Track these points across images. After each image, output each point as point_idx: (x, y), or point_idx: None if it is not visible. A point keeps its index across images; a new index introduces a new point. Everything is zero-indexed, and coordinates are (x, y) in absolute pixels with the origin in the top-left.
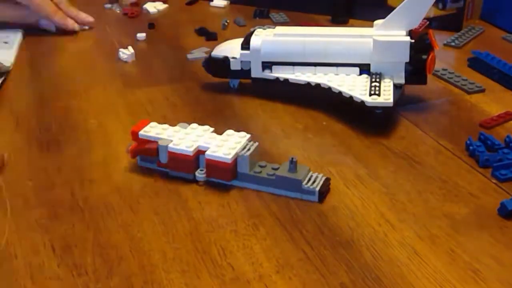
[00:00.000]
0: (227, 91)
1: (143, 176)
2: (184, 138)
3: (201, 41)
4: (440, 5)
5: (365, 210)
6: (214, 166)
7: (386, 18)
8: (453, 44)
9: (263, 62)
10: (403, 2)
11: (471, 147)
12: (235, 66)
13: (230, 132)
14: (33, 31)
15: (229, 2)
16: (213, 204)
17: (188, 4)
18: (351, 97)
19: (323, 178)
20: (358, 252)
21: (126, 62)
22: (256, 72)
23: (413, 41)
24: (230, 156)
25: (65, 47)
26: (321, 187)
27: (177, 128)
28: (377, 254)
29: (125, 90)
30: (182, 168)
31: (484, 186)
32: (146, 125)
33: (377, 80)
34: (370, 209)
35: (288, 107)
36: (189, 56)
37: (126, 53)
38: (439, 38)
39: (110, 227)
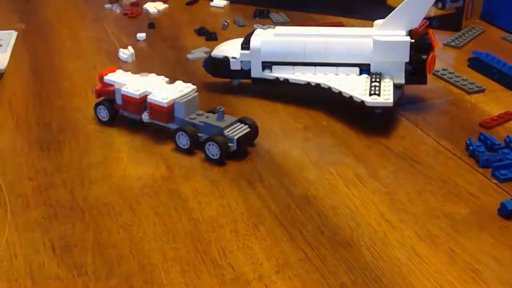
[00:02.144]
0: (227, 91)
1: (143, 176)
2: (138, 84)
3: (201, 41)
4: (440, 5)
5: (365, 210)
6: (155, 109)
7: (386, 18)
8: (453, 44)
9: (263, 62)
10: (403, 2)
11: (471, 147)
12: (235, 66)
13: (179, 82)
14: (32, 31)
15: (229, 2)
16: (213, 204)
17: (188, 4)
18: (351, 97)
19: (247, 130)
20: (358, 252)
21: (126, 62)
22: (256, 72)
23: (413, 41)
24: (166, 101)
25: (65, 47)
26: (240, 136)
27: (137, 76)
28: (377, 254)
29: None
30: (132, 110)
31: (484, 186)
32: (114, 71)
33: (377, 80)
34: (370, 209)
35: (288, 107)
36: (189, 56)
37: (126, 53)
38: (438, 38)
39: (110, 227)
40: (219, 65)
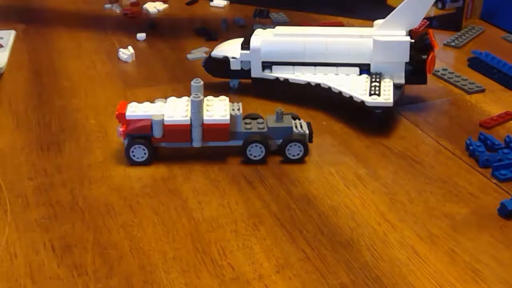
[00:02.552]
0: (227, 91)
1: (143, 176)
2: (173, 110)
3: (201, 41)
4: (440, 5)
5: (365, 210)
6: (212, 130)
7: (386, 18)
8: (453, 44)
9: (263, 62)
10: (403, 2)
11: (471, 147)
12: (235, 66)
13: (210, 97)
14: (32, 31)
15: (229, 2)
16: (213, 204)
17: (188, 4)
18: (351, 97)
19: (305, 122)
20: (358, 252)
21: (126, 62)
22: (256, 72)
23: (413, 41)
24: (227, 117)
25: (65, 47)
26: (308, 129)
27: (158, 103)
28: (377, 254)
29: (125, 90)
30: (180, 138)
31: (484, 186)
32: (126, 106)
33: (377, 80)
34: (370, 209)
35: (288, 107)
36: (189, 56)
37: (126, 53)
38: (438, 38)
39: (110, 227)
40: (219, 65)
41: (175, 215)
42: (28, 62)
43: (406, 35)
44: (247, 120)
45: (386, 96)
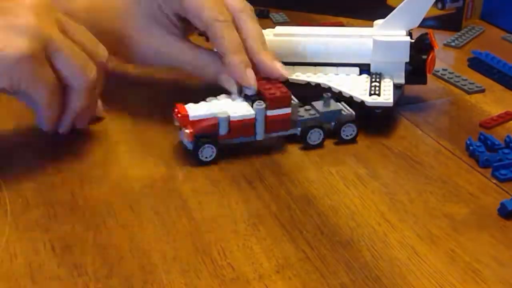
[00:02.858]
0: (227, 91)
1: (143, 176)
2: (234, 106)
3: (201, 41)
4: (439, 5)
5: (365, 210)
6: (275, 121)
7: (386, 18)
8: (453, 44)
9: None
10: (403, 2)
11: (471, 147)
12: None
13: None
14: None
15: None
16: (213, 204)
17: None
18: (351, 97)
19: (346, 105)
20: (358, 252)
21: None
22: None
23: (413, 41)
24: (289, 108)
25: None
26: (355, 110)
27: (213, 101)
28: (377, 254)
29: (125, 90)
30: (246, 133)
31: (484, 186)
32: (184, 108)
33: (377, 80)
34: (370, 209)
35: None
36: None
37: None
38: (438, 38)
39: (110, 227)
40: None
41: (175, 215)
42: None
43: (406, 35)
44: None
45: (386, 96)
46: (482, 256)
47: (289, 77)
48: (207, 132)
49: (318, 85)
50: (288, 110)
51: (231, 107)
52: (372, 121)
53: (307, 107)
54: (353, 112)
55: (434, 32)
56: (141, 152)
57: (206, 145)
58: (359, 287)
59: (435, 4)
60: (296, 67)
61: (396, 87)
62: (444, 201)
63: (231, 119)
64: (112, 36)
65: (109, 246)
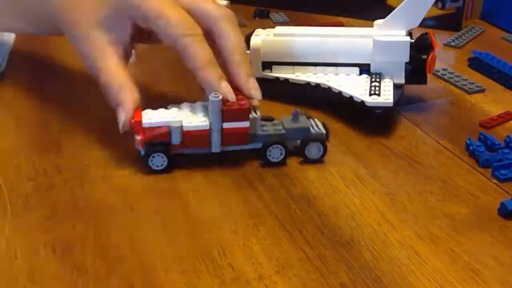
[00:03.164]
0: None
1: (143, 176)
2: (188, 115)
3: None
4: (440, 5)
5: (365, 210)
6: (232, 133)
7: (386, 18)
8: (453, 44)
9: (262, 62)
10: (403, 2)
11: (471, 147)
12: None
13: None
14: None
15: (229, 2)
16: (213, 204)
17: None
18: (351, 97)
19: (319, 122)
20: (358, 252)
21: None
22: (256, 72)
23: (413, 40)
24: (249, 121)
25: (65, 47)
26: (325, 128)
27: (173, 109)
28: (377, 254)
29: None
30: (200, 143)
31: (484, 186)
32: (140, 114)
33: (377, 80)
34: (370, 209)
35: (288, 107)
36: None
37: None
38: (438, 38)
39: (110, 227)
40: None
41: (175, 215)
42: (28, 62)
43: (406, 35)
44: (263, 122)
45: (386, 96)
46: (482, 256)
47: (289, 77)
48: (158, 140)
49: (318, 85)
50: (245, 124)
51: (187, 116)
52: (372, 121)
53: (276, 121)
54: (324, 131)
55: (434, 32)
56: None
57: (156, 154)
58: (359, 287)
59: (435, 4)
60: (296, 67)
61: (396, 87)
62: (444, 201)
63: (184, 128)
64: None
65: (109, 246)
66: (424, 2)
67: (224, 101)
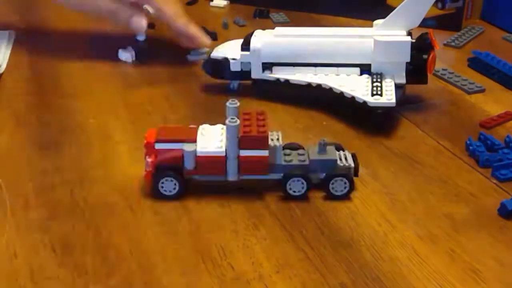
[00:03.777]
0: (227, 91)
1: (143, 176)
2: (206, 139)
3: None
4: (439, 5)
5: (365, 210)
6: (250, 162)
7: (386, 18)
8: (453, 44)
9: (263, 63)
10: (403, 2)
11: (471, 147)
12: (235, 67)
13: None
14: (32, 31)
15: (229, 2)
16: (213, 204)
17: (188, 4)
18: (353, 97)
19: (350, 154)
20: (358, 252)
21: (126, 62)
22: (256, 73)
23: (413, 40)
24: (267, 150)
25: (64, 47)
26: (354, 162)
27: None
28: (377, 254)
29: (125, 90)
30: (215, 171)
31: (484, 186)
32: (153, 134)
33: (378, 80)
34: (370, 209)
35: (288, 107)
36: (189, 57)
37: (126, 53)
38: (438, 38)
39: (110, 227)
40: (219, 66)
41: (175, 215)
42: (28, 62)
43: (407, 35)
44: (287, 151)
45: (389, 96)
46: (482, 256)
47: (289, 78)
48: (171, 163)
49: (319, 85)
50: (264, 153)
51: (204, 140)
52: (372, 121)
53: (301, 151)
54: (352, 165)
55: (434, 32)
56: (141, 152)
57: (166, 179)
58: (359, 287)
59: (435, 4)
60: (296, 68)
61: (398, 87)
62: (444, 201)
63: (197, 154)
64: None
65: (109, 246)
66: (424, 2)
67: (244, 123)
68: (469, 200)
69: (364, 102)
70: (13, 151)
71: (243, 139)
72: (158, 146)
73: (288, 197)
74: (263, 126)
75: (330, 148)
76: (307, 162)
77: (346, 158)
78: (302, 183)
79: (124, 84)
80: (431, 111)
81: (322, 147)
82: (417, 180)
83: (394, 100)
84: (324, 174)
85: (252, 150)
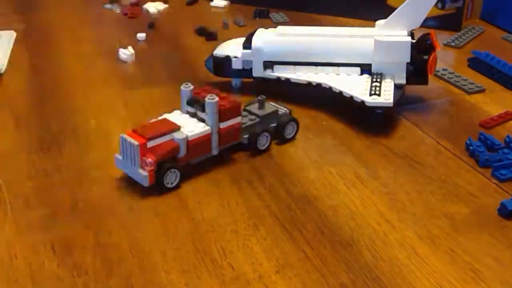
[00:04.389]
0: (227, 90)
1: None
2: (188, 124)
3: (201, 41)
4: (440, 5)
5: (365, 210)
6: (228, 132)
7: (388, 18)
8: (453, 44)
9: (264, 62)
10: (404, 2)
11: (471, 147)
12: (236, 65)
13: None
14: (32, 31)
15: (229, 2)
16: (213, 204)
17: (188, 4)
18: (351, 97)
19: (276, 104)
20: (358, 252)
21: (126, 62)
22: (258, 71)
23: (414, 41)
24: (241, 115)
25: (65, 47)
26: (287, 108)
27: (164, 120)
28: (377, 254)
29: (125, 90)
30: (205, 150)
31: (484, 186)
32: (142, 137)
33: (378, 80)
34: (370, 209)
35: (289, 106)
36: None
37: (126, 53)
38: (438, 38)
39: (110, 227)
40: (221, 64)
41: (175, 215)
42: (28, 62)
43: (408, 35)
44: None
45: (387, 96)
46: (482, 256)
47: (290, 76)
48: (171, 155)
49: (319, 85)
50: (239, 119)
51: (184, 126)
52: (372, 121)
53: (243, 112)
54: (287, 110)
55: (434, 32)
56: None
57: (171, 171)
58: (359, 287)
59: (435, 4)
60: (297, 66)
61: (397, 87)
62: (444, 201)
63: (189, 138)
64: None
65: (109, 246)
66: (426, 3)
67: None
68: (469, 200)
69: (363, 102)
70: (13, 151)
71: (222, 112)
72: (150, 144)
73: (257, 153)
74: (228, 96)
75: (266, 103)
76: (258, 119)
77: (279, 107)
78: (266, 136)
79: (124, 84)
80: (431, 111)
81: (262, 103)
82: (417, 180)
83: (392, 100)
84: (274, 125)
85: (230, 120)
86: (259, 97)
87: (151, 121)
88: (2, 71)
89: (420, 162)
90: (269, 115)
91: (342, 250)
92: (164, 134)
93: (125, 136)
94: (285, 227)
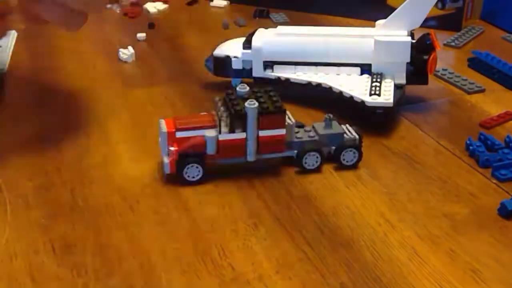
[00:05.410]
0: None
1: (143, 176)
2: (224, 125)
3: (201, 41)
4: (439, 5)
5: (365, 210)
6: (268, 142)
7: (388, 18)
8: (453, 44)
9: (264, 62)
10: (404, 2)
11: (471, 147)
12: (236, 65)
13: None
14: (32, 31)
15: (229, 2)
16: (213, 204)
17: (188, 4)
18: (351, 97)
19: (354, 127)
20: (358, 252)
21: (126, 62)
22: (258, 71)
23: (414, 41)
24: (285, 128)
25: (65, 47)
26: (358, 133)
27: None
28: (377, 254)
29: (125, 90)
30: (237, 153)
31: (484, 186)
32: (173, 124)
33: (378, 80)
34: (370, 209)
35: (288, 107)
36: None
37: (126, 53)
38: (438, 38)
39: (110, 227)
40: (221, 64)
41: (175, 215)
42: (28, 62)
43: (408, 35)
44: (296, 129)
45: (387, 96)
46: (482, 256)
47: (290, 76)
48: (196, 150)
49: (319, 85)
50: (282, 131)
51: (223, 126)
52: (372, 121)
53: (307, 128)
54: (356, 136)
55: (434, 32)
56: (141, 152)
57: (192, 165)
58: (359, 287)
59: (435, 4)
60: (297, 66)
61: (397, 87)
62: (444, 201)
63: (220, 138)
64: None
65: (109, 246)
66: (426, 3)
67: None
68: (469, 200)
69: (363, 102)
70: (13, 151)
71: (262, 120)
72: (179, 134)
73: (303, 171)
74: (277, 101)
75: (335, 123)
76: (317, 138)
77: (350, 131)
78: (317, 157)
79: (124, 84)
80: (431, 111)
81: (328, 122)
82: (417, 180)
83: (391, 100)
84: (334, 147)
85: (271, 130)
86: (326, 116)
87: (201, 114)
88: (4, 71)
89: (420, 162)
90: (331, 136)
91: (342, 250)
92: (195, 128)
93: (161, 121)
94: (285, 227)
